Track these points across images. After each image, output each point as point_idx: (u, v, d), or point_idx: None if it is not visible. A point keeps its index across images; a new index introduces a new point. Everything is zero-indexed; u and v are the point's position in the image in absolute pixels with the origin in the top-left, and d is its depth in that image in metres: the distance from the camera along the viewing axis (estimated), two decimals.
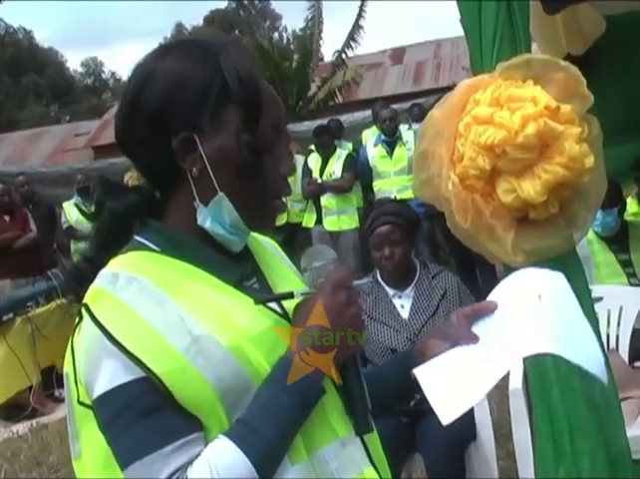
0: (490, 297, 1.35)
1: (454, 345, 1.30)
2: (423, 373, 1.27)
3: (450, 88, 2.04)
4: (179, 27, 37.73)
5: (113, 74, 41.98)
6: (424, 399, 1.24)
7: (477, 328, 1.30)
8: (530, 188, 1.85)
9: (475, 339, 1.29)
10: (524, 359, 2.12)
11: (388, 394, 1.33)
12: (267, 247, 1.37)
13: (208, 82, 1.18)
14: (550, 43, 2.18)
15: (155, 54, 1.23)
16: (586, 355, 1.25)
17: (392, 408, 1.43)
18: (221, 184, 1.18)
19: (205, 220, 1.19)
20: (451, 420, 1.19)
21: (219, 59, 1.19)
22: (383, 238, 3.33)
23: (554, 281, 1.34)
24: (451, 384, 1.24)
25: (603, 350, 1.31)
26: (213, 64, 1.19)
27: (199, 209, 1.19)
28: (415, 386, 1.28)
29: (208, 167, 1.17)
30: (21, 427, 6.12)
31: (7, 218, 7.63)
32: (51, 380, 6.54)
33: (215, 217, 1.19)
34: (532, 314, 1.26)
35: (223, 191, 1.18)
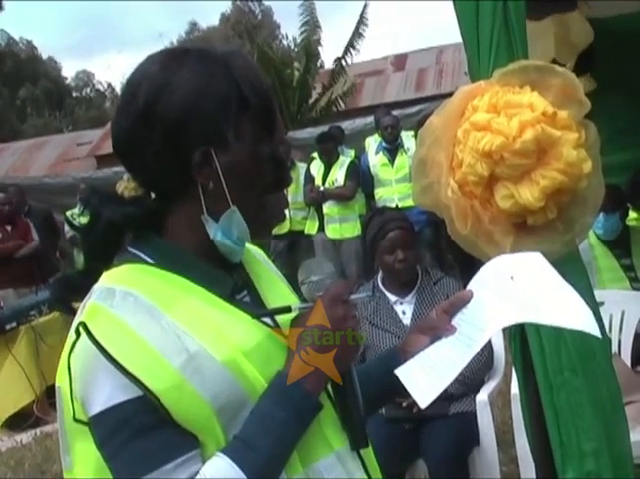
0: (468, 288, 1.37)
1: (433, 340, 1.33)
2: (404, 373, 1.31)
3: (452, 94, 2.05)
4: (194, 27, 37.15)
5: (109, 84, 42.01)
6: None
7: (454, 320, 1.33)
8: (529, 193, 1.86)
9: (451, 330, 1.32)
10: (532, 363, 2.11)
11: (372, 394, 1.34)
12: (257, 257, 1.36)
13: (227, 93, 1.16)
14: (540, 49, 2.20)
15: (164, 63, 1.18)
16: (573, 316, 1.26)
17: (377, 408, 1.45)
18: (234, 197, 1.17)
19: (217, 233, 1.19)
20: (427, 403, 1.23)
21: (232, 70, 1.17)
22: (395, 241, 3.33)
23: (529, 262, 1.36)
24: (428, 374, 1.28)
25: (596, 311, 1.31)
26: (228, 75, 1.17)
27: (209, 222, 1.18)
28: (399, 385, 1.30)
29: (224, 180, 1.16)
30: (25, 436, 6.10)
31: (9, 227, 7.61)
32: (54, 390, 6.52)
33: (225, 230, 1.19)
34: (504, 293, 1.30)
35: (235, 203, 1.18)
